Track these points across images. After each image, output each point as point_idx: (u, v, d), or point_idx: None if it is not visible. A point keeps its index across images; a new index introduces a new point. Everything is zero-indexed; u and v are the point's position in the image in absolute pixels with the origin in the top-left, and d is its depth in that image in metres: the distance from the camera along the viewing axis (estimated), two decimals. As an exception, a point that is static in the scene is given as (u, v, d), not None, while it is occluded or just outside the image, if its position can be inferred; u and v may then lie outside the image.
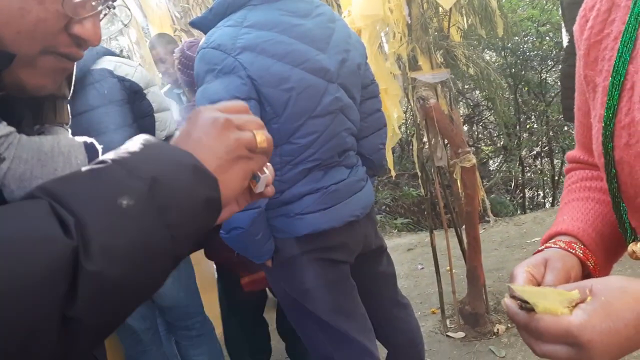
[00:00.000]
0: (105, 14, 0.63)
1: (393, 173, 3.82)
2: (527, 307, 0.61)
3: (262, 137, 0.59)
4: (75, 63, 2.32)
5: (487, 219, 4.78)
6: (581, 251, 0.78)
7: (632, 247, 0.75)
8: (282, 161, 1.62)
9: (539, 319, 0.59)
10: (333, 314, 1.74)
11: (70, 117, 0.70)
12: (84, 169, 0.51)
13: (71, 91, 0.71)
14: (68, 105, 0.71)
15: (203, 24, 1.68)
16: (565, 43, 3.08)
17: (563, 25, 3.28)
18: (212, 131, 0.57)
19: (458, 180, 2.91)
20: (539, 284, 0.71)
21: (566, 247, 0.78)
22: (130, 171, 0.50)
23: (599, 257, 0.80)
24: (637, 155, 0.68)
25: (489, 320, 2.98)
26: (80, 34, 0.59)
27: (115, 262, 0.47)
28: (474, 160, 2.77)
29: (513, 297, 0.64)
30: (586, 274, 0.78)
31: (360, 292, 1.85)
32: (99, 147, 0.66)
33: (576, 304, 0.59)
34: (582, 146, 0.91)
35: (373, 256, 1.93)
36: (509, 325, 2.98)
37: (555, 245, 0.79)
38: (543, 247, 0.82)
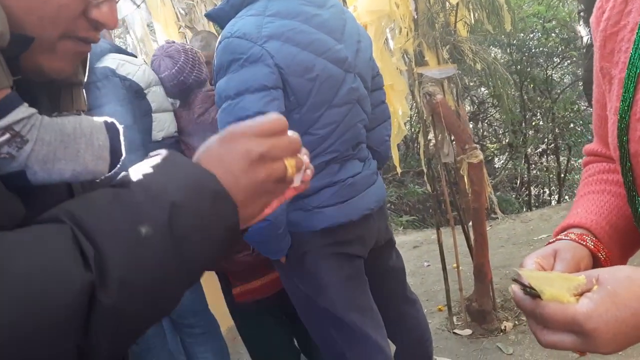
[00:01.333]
0: None
1: (399, 170, 3.81)
2: (532, 292, 0.61)
3: (293, 167, 0.59)
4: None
5: (493, 216, 4.77)
6: (592, 243, 0.77)
7: None
8: None
9: (545, 306, 0.60)
10: (348, 310, 1.72)
11: (87, 103, 0.71)
12: (107, 190, 0.53)
13: (86, 76, 0.71)
14: (84, 92, 0.71)
15: (220, 16, 1.67)
16: (584, 35, 3.03)
17: (582, 15, 3.24)
18: (243, 163, 0.56)
19: (465, 177, 2.89)
20: None
21: (577, 239, 0.77)
22: (151, 198, 0.51)
23: (612, 250, 0.79)
24: None
25: (496, 318, 2.96)
26: (98, 17, 0.60)
27: (131, 296, 0.49)
28: (481, 156, 2.75)
29: (519, 282, 0.64)
30: (598, 266, 0.76)
31: (371, 287, 1.84)
32: (120, 127, 0.66)
33: (582, 293, 0.59)
34: (600, 139, 0.90)
35: (383, 250, 1.92)
36: (516, 322, 2.96)
37: (566, 237, 0.78)
38: (554, 239, 0.81)
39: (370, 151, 1.86)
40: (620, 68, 0.73)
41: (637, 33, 0.70)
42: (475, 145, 2.80)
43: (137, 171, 0.55)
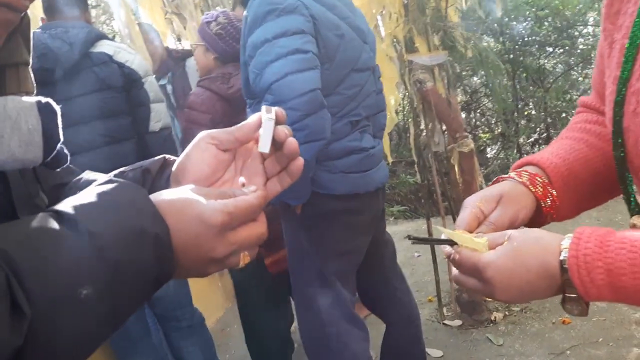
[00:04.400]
0: None
1: (389, 159, 3.76)
2: (418, 238, 0.76)
3: (246, 258, 0.56)
4: (71, 45, 2.19)
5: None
6: (541, 187, 0.78)
7: (634, 220, 0.72)
8: (329, 113, 1.65)
9: (459, 252, 0.69)
10: (335, 276, 1.80)
11: (34, 85, 0.64)
12: (51, 230, 0.47)
13: (31, 56, 0.64)
14: (31, 72, 0.64)
15: None
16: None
17: None
18: (202, 260, 0.53)
19: (456, 166, 2.85)
20: (485, 218, 0.76)
21: (528, 181, 0.79)
22: (99, 253, 0.47)
23: (563, 196, 0.79)
24: None
25: (486, 308, 2.94)
26: None
27: (59, 356, 0.46)
28: (472, 145, 2.71)
29: (413, 237, 0.76)
30: (539, 214, 0.78)
31: (366, 260, 1.92)
32: (57, 108, 0.59)
33: (497, 246, 0.67)
34: (597, 92, 0.88)
35: (379, 222, 2.00)
36: (506, 313, 2.94)
37: (519, 178, 0.79)
38: (508, 175, 0.82)
39: None
40: (624, 33, 0.69)
41: None
42: (466, 134, 2.76)
43: (89, 205, 0.49)
